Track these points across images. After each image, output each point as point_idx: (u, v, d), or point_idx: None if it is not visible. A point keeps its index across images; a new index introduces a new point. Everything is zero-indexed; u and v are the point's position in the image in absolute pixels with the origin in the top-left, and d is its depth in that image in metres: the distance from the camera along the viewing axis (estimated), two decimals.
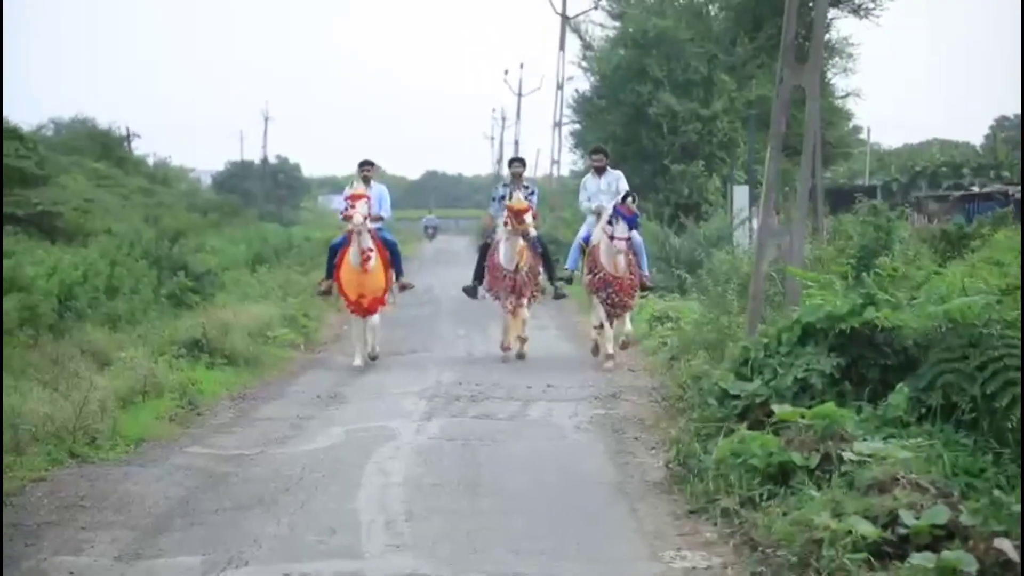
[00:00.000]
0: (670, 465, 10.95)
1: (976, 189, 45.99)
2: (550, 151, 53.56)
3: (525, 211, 19.26)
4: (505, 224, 19.55)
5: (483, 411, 14.76)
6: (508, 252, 19.55)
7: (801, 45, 14.50)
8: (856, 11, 40.90)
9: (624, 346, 19.20)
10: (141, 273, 24.12)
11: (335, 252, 19.66)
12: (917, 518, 7.94)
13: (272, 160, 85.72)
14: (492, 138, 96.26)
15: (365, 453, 12.27)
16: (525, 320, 19.93)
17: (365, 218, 18.55)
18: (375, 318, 19.36)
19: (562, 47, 53.62)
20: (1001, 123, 69.47)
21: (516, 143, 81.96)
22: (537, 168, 72.58)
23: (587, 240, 19.37)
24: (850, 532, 7.96)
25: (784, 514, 8.74)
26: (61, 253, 24.99)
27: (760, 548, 8.57)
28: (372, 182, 19.91)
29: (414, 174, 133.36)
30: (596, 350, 19.36)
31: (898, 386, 10.40)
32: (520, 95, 78.81)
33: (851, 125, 48.28)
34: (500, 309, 20.15)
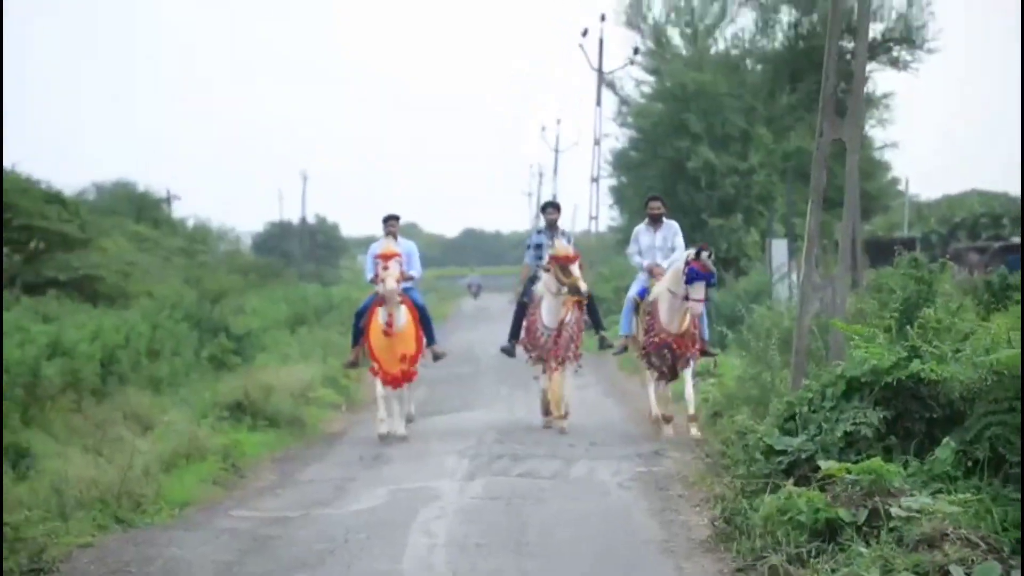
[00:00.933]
0: (716, 522, 10.89)
1: (1017, 240, 45.76)
2: (588, 207, 53.58)
3: (573, 260, 17.66)
4: (547, 270, 17.91)
5: (526, 470, 14.73)
6: (552, 309, 17.94)
7: (840, 98, 14.46)
8: (894, 63, 41.00)
9: (693, 418, 16.83)
10: (182, 335, 24.27)
11: (361, 316, 18.21)
12: (968, 573, 7.89)
13: (311, 220, 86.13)
14: (530, 194, 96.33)
15: (409, 513, 12.26)
16: (564, 389, 18.15)
17: (398, 281, 17.32)
18: (406, 390, 18.09)
19: (599, 103, 53.58)
20: None
21: (554, 198, 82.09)
22: (575, 223, 72.64)
23: (642, 295, 17.70)
24: None
25: (833, 571, 8.70)
26: (103, 317, 25.14)
27: None
28: (399, 238, 18.24)
29: (452, 232, 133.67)
30: (660, 424, 17.34)
31: (944, 440, 10.33)
32: (557, 151, 78.93)
33: (889, 177, 48.25)
34: (536, 371, 18.73)
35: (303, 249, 79.26)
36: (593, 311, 19.15)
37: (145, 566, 10.46)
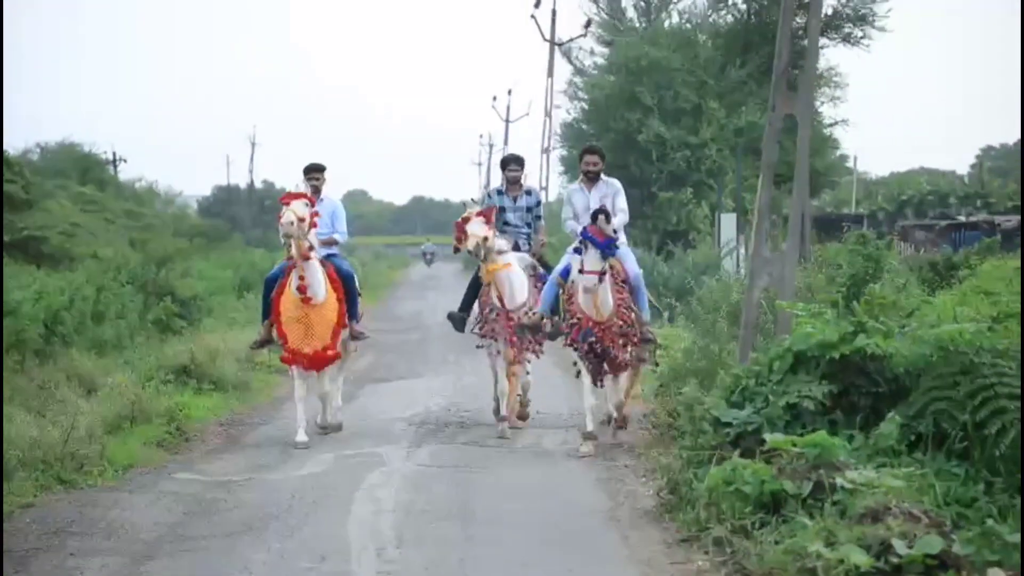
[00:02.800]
0: (661, 493, 10.96)
1: (963, 219, 46.19)
2: (538, 178, 53.65)
3: (467, 220, 14.85)
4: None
5: (473, 438, 14.79)
6: (511, 286, 15.09)
7: (792, 74, 14.52)
8: (846, 39, 41.21)
9: (620, 423, 14.76)
10: (127, 298, 24.08)
11: (271, 286, 15.03)
12: (910, 547, 7.95)
13: (258, 185, 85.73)
14: (479, 164, 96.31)
15: (355, 479, 12.27)
16: (525, 378, 16.00)
17: (302, 220, 14.05)
18: (325, 377, 15.11)
19: (550, 73, 53.59)
20: (987, 152, 69.73)
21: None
22: None
23: (565, 275, 14.44)
24: (843, 561, 7.98)
25: (776, 543, 8.75)
26: (47, 278, 24.95)
27: None
28: (323, 194, 15.49)
29: (401, 200, 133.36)
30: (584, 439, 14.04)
31: (889, 414, 10.41)
32: (508, 121, 78.93)
33: (838, 154, 48.51)
34: (490, 360, 15.70)
35: (250, 214, 78.93)
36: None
37: (88, 527, 10.41)
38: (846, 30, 41.59)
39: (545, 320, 14.71)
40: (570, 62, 50.95)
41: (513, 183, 16.32)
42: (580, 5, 48.56)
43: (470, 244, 14.69)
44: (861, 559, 7.95)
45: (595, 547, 9.78)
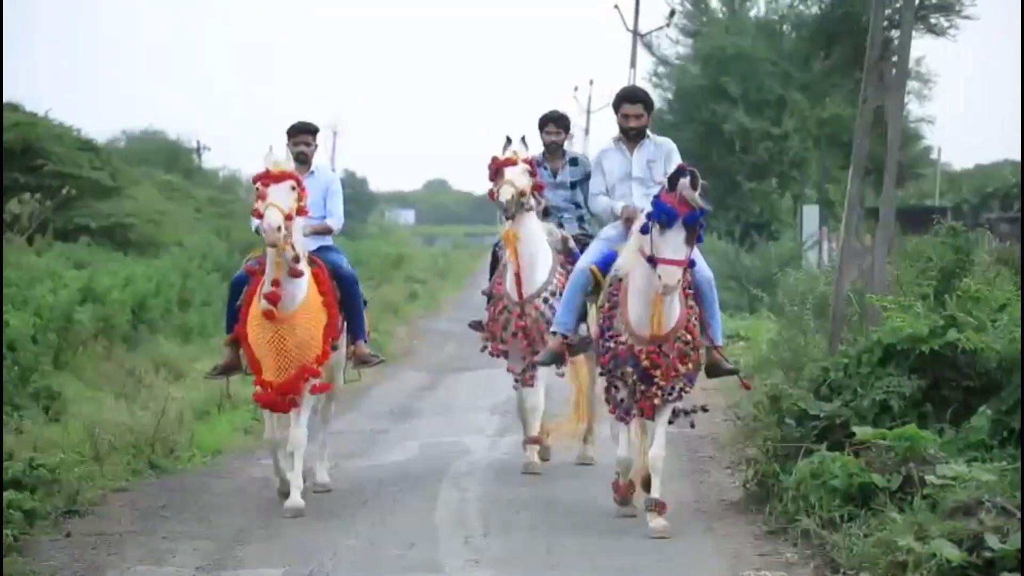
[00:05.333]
0: (748, 485, 10.92)
1: None
2: None
3: (510, 162, 11.78)
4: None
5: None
6: (512, 263, 11.91)
7: (883, 65, 14.42)
8: (932, 29, 40.76)
9: (646, 483, 10.17)
10: (212, 285, 24.32)
11: (238, 292, 11.14)
12: (1003, 542, 7.90)
13: (340, 175, 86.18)
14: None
15: (440, 468, 12.33)
16: (585, 395, 12.54)
17: (291, 219, 10.19)
18: (300, 418, 10.67)
19: (633, 64, 53.32)
20: None
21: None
22: None
23: (604, 266, 10.26)
24: (934, 555, 7.93)
25: (866, 536, 8.72)
26: (134, 265, 25.22)
27: (842, 570, 8.58)
28: (314, 164, 11.72)
29: (481, 189, 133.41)
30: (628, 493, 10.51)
31: (980, 408, 10.33)
32: (589, 111, 78.76)
33: (922, 146, 48.07)
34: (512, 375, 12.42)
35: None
36: None
37: (179, 511, 10.57)
38: (932, 20, 41.15)
39: (569, 338, 10.82)
40: (652, 53, 50.75)
41: (553, 151, 12.57)
42: None
43: (504, 193, 11.57)
44: (953, 553, 7.90)
45: (681, 538, 9.76)
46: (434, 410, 16.15)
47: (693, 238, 9.24)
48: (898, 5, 17.44)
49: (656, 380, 9.62)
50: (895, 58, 14.65)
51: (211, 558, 9.19)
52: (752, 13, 44.25)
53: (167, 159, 51.74)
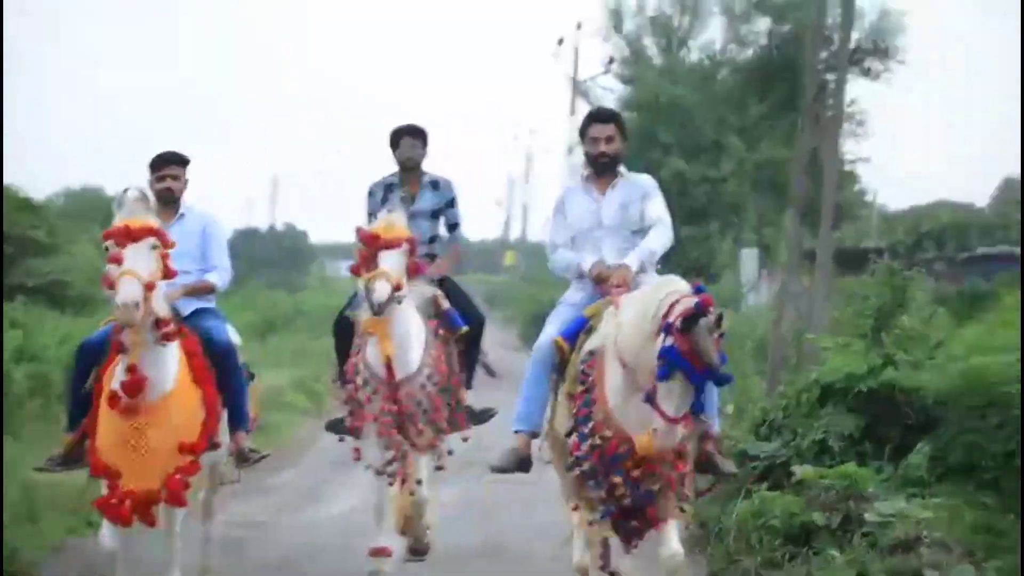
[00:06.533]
0: (689, 527, 10.90)
1: (984, 251, 46.08)
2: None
3: (393, 243, 9.06)
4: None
5: (498, 476, 14.71)
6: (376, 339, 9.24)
7: (817, 107, 14.62)
8: (866, 73, 41.20)
9: None
10: None
11: (89, 363, 8.43)
12: None
13: (280, 227, 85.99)
14: (498, 203, 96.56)
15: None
16: (423, 495, 9.77)
17: (147, 290, 7.56)
18: (173, 532, 8.50)
19: (572, 112, 53.76)
20: (1009, 184, 69.69)
21: (524, 208, 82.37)
22: (546, 231, 72.69)
23: (570, 337, 7.96)
24: None
25: (807, 575, 8.75)
26: (71, 322, 25.00)
27: None
28: (184, 205, 9.15)
29: None
30: None
31: (918, 446, 10.47)
32: (529, 159, 79.22)
33: (857, 187, 48.46)
34: (368, 469, 9.67)
35: (271, 256, 79.17)
36: (471, 350, 10.10)
37: (112, 567, 10.42)
38: (866, 64, 41.61)
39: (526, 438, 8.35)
40: (589, 103, 51.06)
41: (409, 170, 10.06)
42: (601, 43, 48.73)
43: (379, 292, 8.84)
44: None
45: None
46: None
47: (698, 394, 6.97)
48: (833, 48, 17.63)
49: (650, 493, 7.22)
50: (830, 100, 14.84)
51: None
52: (688, 59, 44.59)
53: (104, 216, 51.35)
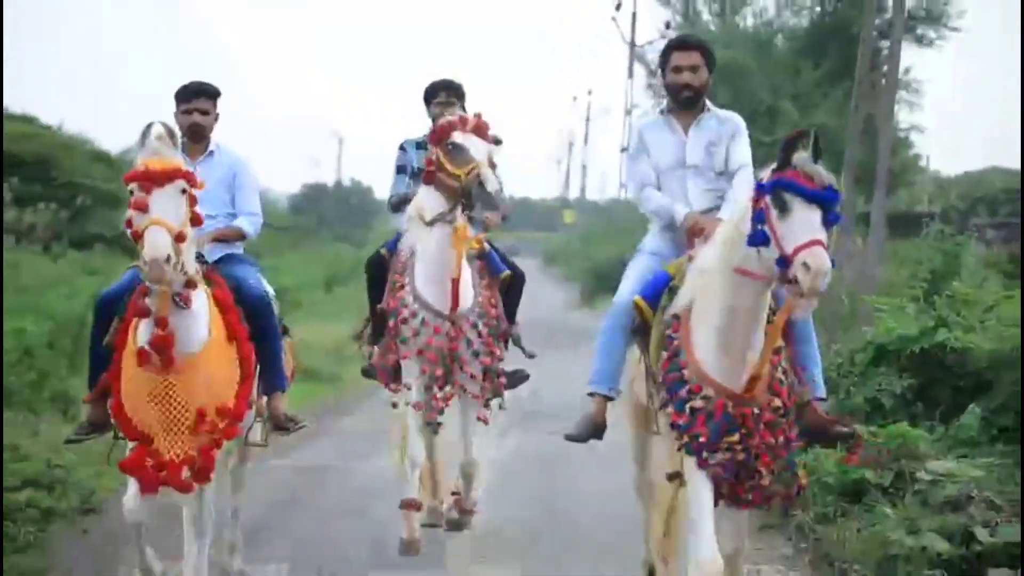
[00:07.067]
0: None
1: None
2: (617, 176, 53.95)
3: (481, 128, 8.18)
4: (427, 181, 8.30)
5: (559, 427, 14.65)
6: (437, 262, 8.24)
7: (873, 75, 14.47)
8: (919, 40, 40.80)
9: None
10: None
11: (108, 316, 7.30)
12: (992, 535, 7.92)
13: (346, 183, 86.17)
14: (559, 161, 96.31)
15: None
16: (472, 457, 8.81)
17: (177, 242, 6.47)
18: (207, 493, 7.26)
19: (630, 75, 53.59)
20: None
21: (583, 167, 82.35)
22: (605, 191, 72.73)
23: (651, 297, 6.77)
24: (925, 549, 7.97)
25: (859, 531, 8.74)
26: None
27: (836, 564, 8.57)
28: (213, 143, 7.98)
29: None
30: None
31: (970, 407, 10.42)
32: (588, 119, 79.09)
33: (911, 153, 48.05)
34: (405, 409, 8.78)
35: (338, 212, 79.37)
36: (510, 299, 8.86)
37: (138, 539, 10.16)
38: (918, 31, 41.21)
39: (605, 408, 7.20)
40: (646, 66, 50.91)
41: (443, 130, 8.38)
42: (657, 8, 48.59)
43: (491, 181, 8.03)
44: (943, 547, 7.91)
45: None
46: None
47: (834, 222, 5.88)
48: (888, 16, 17.45)
49: (752, 449, 6.21)
50: (885, 68, 14.68)
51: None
52: (742, 24, 44.29)
53: None
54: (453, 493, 8.94)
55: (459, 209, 8.07)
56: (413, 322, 8.23)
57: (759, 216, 5.82)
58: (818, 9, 43.14)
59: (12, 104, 32.63)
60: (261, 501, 10.93)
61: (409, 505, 8.56)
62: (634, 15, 53.55)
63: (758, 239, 5.81)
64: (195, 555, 7.35)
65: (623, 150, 55.36)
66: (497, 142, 8.30)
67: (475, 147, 8.02)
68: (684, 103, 7.27)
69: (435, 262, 8.19)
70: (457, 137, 8.05)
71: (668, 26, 46.61)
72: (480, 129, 8.14)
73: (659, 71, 7.43)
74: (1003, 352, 10.71)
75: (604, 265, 37.36)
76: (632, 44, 53.05)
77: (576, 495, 11.54)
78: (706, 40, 7.42)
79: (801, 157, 5.88)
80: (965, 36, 42.08)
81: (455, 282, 8.14)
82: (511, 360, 8.85)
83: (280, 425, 7.73)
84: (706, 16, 46.05)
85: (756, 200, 5.85)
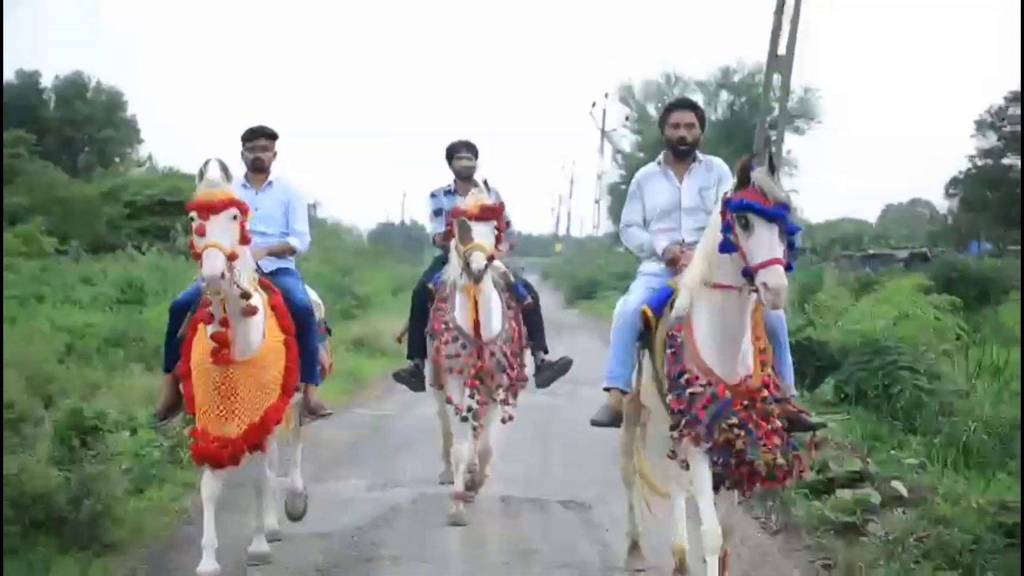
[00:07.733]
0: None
1: (871, 251, 46.20)
2: (592, 219, 55.42)
3: (488, 215, 7.49)
4: (447, 237, 7.94)
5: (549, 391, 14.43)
6: (466, 306, 7.65)
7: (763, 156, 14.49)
8: (796, 130, 41.37)
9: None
10: (322, 295, 24.28)
11: (180, 317, 6.43)
12: (840, 466, 7.93)
13: (408, 223, 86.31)
14: (552, 208, 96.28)
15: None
16: (488, 445, 8.09)
17: (230, 260, 5.72)
18: (264, 462, 6.55)
19: (601, 151, 54.27)
20: (890, 207, 69.10)
21: (568, 213, 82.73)
22: (583, 230, 73.12)
23: (656, 307, 5.76)
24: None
25: None
26: None
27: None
28: (272, 175, 7.06)
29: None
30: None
31: (827, 379, 10.50)
32: (572, 180, 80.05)
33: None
34: (446, 411, 8.25)
35: (402, 241, 79.44)
36: (534, 322, 8.20)
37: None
38: (796, 124, 41.95)
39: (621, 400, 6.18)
40: (611, 143, 51.90)
41: (465, 179, 8.28)
42: (620, 106, 49.40)
43: (476, 261, 7.34)
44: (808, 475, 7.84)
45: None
46: None
47: (784, 239, 5.06)
48: (775, 114, 17.55)
49: (751, 433, 5.26)
50: (773, 149, 14.71)
51: (315, 474, 8.99)
52: None
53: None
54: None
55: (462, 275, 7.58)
56: (454, 345, 7.64)
57: (727, 228, 5.10)
58: (730, 109, 43.99)
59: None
60: (348, 436, 10.98)
61: (458, 497, 7.72)
62: (604, 111, 54.20)
63: (727, 247, 5.10)
64: (267, 490, 6.76)
65: (596, 201, 55.63)
66: (508, 223, 7.86)
67: (477, 230, 7.41)
68: (681, 154, 6.24)
69: (463, 307, 7.63)
70: (468, 220, 7.44)
71: (627, 118, 46.95)
72: (487, 213, 7.50)
73: (659, 127, 6.47)
74: (850, 343, 10.81)
75: (581, 280, 38.12)
76: (603, 130, 53.53)
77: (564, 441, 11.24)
78: (696, 103, 6.54)
79: (759, 174, 5.08)
80: (826, 127, 42.66)
81: (475, 322, 7.59)
82: (554, 350, 8.44)
83: (312, 411, 6.87)
84: (652, 111, 46.38)
85: (723, 213, 5.12)
